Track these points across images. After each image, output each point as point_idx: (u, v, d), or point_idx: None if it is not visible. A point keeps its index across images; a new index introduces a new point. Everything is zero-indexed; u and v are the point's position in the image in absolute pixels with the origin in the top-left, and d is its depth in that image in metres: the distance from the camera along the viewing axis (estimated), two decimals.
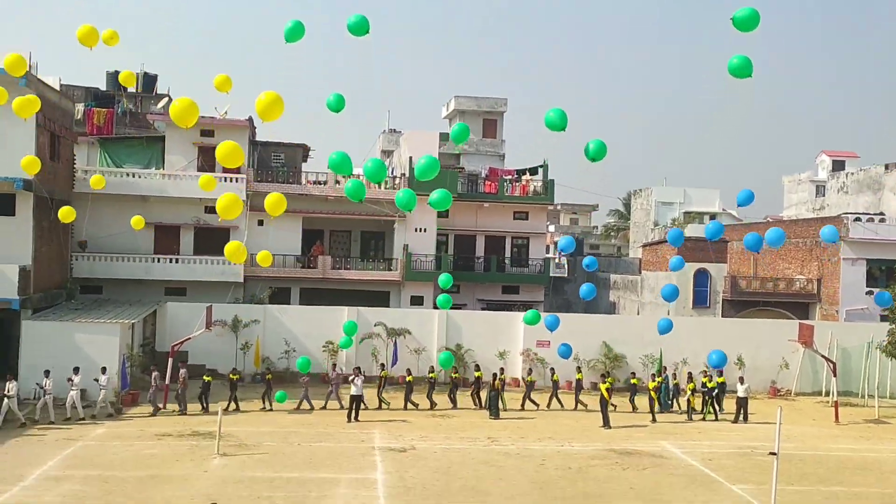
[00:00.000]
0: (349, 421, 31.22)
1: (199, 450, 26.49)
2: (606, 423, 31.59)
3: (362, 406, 32.00)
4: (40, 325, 33.76)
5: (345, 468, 25.00)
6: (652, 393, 33.82)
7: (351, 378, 32.08)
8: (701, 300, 49.99)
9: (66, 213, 24.33)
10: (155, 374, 32.08)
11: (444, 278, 21.88)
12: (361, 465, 25.47)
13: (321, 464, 25.38)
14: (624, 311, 56.58)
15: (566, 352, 26.37)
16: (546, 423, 32.13)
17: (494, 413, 32.98)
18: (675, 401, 35.56)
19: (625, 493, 23.12)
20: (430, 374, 35.22)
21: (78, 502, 21.12)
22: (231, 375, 33.18)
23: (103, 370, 31.11)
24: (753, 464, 26.61)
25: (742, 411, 33.62)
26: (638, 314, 53.56)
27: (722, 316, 48.60)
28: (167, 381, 32.71)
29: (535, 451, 27.86)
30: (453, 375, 35.60)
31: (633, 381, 35.58)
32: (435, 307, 43.97)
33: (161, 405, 32.05)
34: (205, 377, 32.94)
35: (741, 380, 34.67)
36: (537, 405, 34.50)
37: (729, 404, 34.68)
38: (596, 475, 25.10)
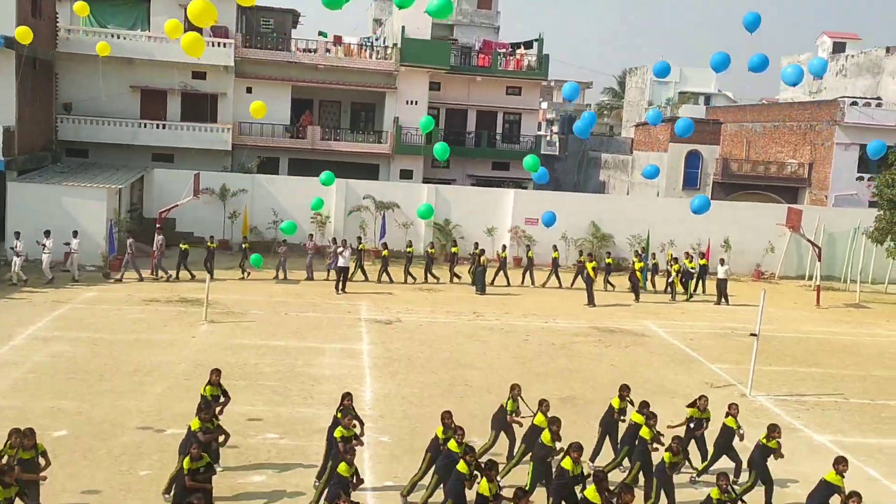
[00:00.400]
0: (337, 293, 31.47)
1: (187, 316, 26.73)
2: (591, 302, 31.96)
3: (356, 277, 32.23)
4: (26, 188, 33.45)
5: (331, 338, 25.33)
6: (637, 273, 34.08)
7: (340, 250, 32.13)
8: (691, 182, 49.93)
9: (22, 34, 22.48)
10: (130, 240, 31.82)
11: (439, 148, 21.34)
12: (347, 335, 25.80)
13: (308, 333, 25.69)
14: (613, 191, 56.53)
15: (550, 219, 26.15)
16: (531, 300, 32.49)
17: (480, 288, 33.27)
18: (652, 282, 35.99)
19: (606, 370, 23.57)
20: (430, 250, 35.35)
21: (67, 363, 21.38)
22: (209, 244, 33.09)
23: (74, 234, 30.98)
24: (734, 344, 27.11)
25: (722, 293, 34.01)
26: (627, 194, 53.53)
27: (712, 198, 48.39)
28: (154, 248, 32.62)
29: (519, 326, 28.25)
30: (453, 251, 35.75)
31: (608, 260, 35.86)
32: (424, 182, 43.85)
33: (142, 272, 32.02)
34: (181, 245, 32.74)
35: (721, 261, 34.93)
36: (528, 282, 34.88)
37: (711, 286, 35.09)
38: (578, 351, 25.54)
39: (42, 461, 13.11)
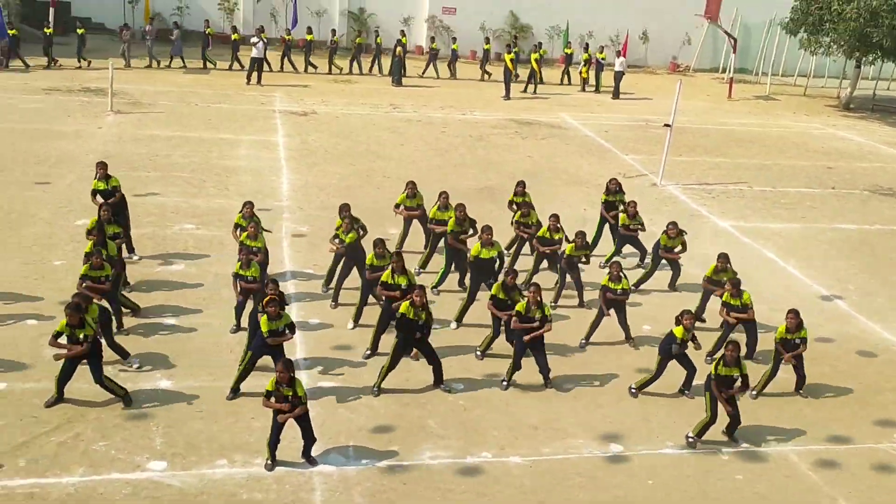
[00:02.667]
0: (248, 83, 30.48)
1: (92, 106, 25.69)
2: (508, 94, 31.80)
3: (265, 68, 31.13)
4: None
5: (246, 130, 24.79)
6: (534, 64, 33.36)
7: (254, 41, 30.73)
8: None
9: None
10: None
11: None
12: (262, 127, 25.29)
13: (221, 125, 25.06)
14: None
15: None
16: (448, 93, 32.16)
17: (397, 80, 32.68)
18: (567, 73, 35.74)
19: (522, 160, 23.84)
20: (333, 38, 34.12)
21: None
22: (123, 31, 31.36)
23: None
24: (647, 136, 27.60)
25: (616, 85, 33.85)
26: None
27: None
28: (49, 30, 30.70)
29: (437, 118, 28.09)
30: (357, 41, 34.62)
31: (485, 47, 35.25)
32: None
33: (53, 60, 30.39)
34: (77, 29, 30.85)
35: (618, 54, 34.65)
36: (438, 75, 34.34)
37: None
38: (496, 143, 25.68)
39: None
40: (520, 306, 12.38)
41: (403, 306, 11.86)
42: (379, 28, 36.32)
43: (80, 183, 18.98)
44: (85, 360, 11.06)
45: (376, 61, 34.07)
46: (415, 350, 12.40)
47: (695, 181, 23.32)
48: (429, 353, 12.21)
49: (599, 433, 11.63)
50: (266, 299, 11.38)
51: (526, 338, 12.35)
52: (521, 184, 16.94)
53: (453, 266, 15.35)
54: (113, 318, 12.61)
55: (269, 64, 32.05)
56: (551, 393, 12.50)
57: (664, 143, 22.62)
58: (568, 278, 15.23)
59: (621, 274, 13.61)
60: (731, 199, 22.04)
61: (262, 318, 11.25)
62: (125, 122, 24.42)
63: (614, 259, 15.62)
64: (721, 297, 13.67)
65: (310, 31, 33.68)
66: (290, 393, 9.97)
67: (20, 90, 26.91)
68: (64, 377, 11.00)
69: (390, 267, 12.91)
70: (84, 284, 12.47)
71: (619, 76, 33.68)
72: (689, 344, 12.16)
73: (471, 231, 15.14)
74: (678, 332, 12.04)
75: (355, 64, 33.86)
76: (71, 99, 26.38)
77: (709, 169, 24.67)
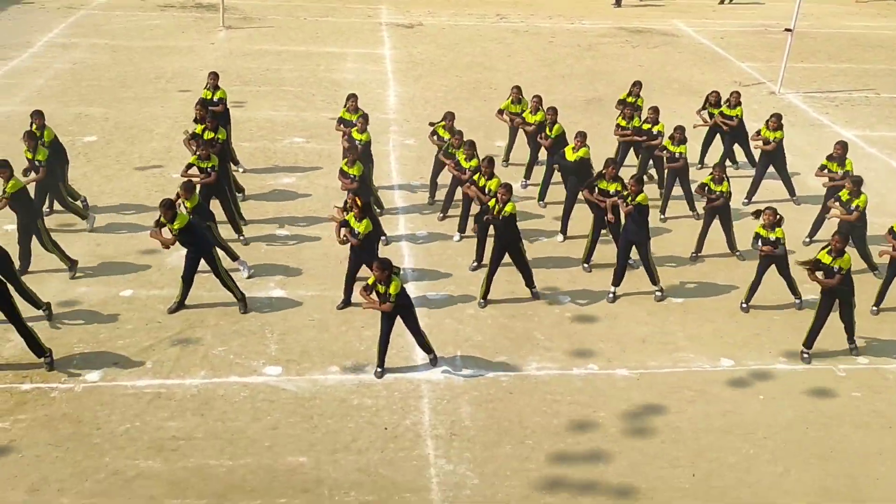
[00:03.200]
0: None
1: (204, 22, 26.11)
2: (618, 1, 30.68)
3: None
4: None
5: (352, 43, 24.80)
6: None
7: None
8: None
9: None
10: None
11: None
12: (369, 40, 25.23)
13: (328, 38, 25.13)
14: None
15: None
16: (557, 1, 31.24)
17: None
18: None
19: (632, 70, 23.08)
20: None
21: (88, 70, 21.27)
22: None
23: None
24: (765, 42, 26.29)
25: None
26: None
27: None
28: None
29: (544, 28, 27.41)
30: None
31: None
32: None
33: None
34: None
35: None
36: None
37: None
38: (605, 52, 24.95)
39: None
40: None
41: (491, 203, 11.83)
42: None
43: (195, 98, 19.39)
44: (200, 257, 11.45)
45: None
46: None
47: (816, 88, 22.17)
48: (517, 260, 12.21)
49: (709, 347, 11.47)
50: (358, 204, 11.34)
51: (609, 216, 12.39)
52: (638, 84, 16.55)
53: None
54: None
55: None
56: (660, 306, 12.35)
57: (784, 49, 21.52)
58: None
59: (724, 176, 13.17)
60: (856, 108, 20.89)
61: (365, 222, 11.33)
62: (236, 37, 24.76)
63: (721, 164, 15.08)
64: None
65: None
66: (383, 290, 10.11)
67: (137, 7, 27.55)
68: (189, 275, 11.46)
69: (479, 171, 12.84)
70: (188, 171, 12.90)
71: None
72: (775, 244, 11.69)
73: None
74: (759, 229, 11.73)
75: None
76: (185, 15, 26.87)
77: (832, 76, 23.38)
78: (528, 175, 15.84)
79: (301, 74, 21.76)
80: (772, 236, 11.69)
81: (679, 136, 14.40)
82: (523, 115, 15.59)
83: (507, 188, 11.77)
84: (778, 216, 11.67)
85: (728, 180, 13.23)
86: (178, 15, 26.85)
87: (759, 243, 11.77)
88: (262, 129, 18.06)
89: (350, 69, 22.41)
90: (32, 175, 12.69)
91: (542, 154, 15.53)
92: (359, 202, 11.28)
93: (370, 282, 10.13)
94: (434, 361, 10.70)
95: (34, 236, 12.01)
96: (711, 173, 13.25)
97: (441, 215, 14.56)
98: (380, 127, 17.93)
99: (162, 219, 11.09)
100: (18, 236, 12.05)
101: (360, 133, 14.00)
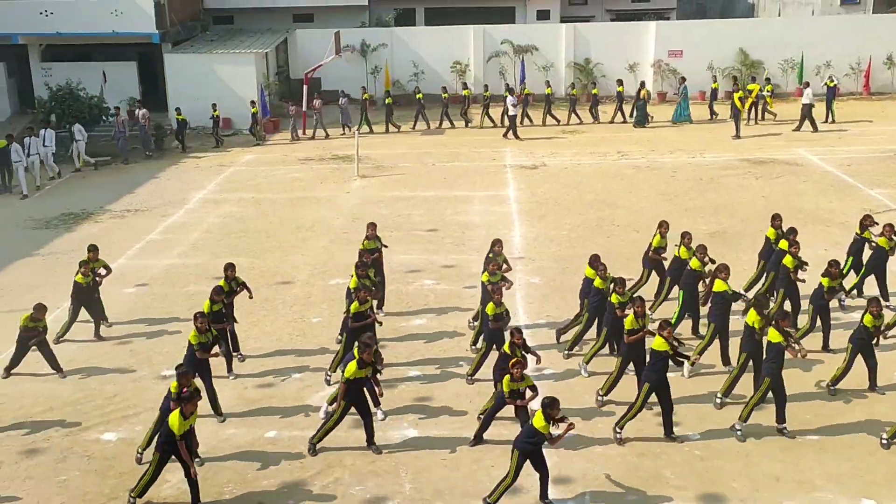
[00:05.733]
0: (505, 136, 31.85)
1: (340, 172, 27.93)
2: (738, 133, 30.98)
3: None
4: (181, 58, 35.17)
5: (478, 186, 25.95)
6: (737, 102, 31.12)
7: (509, 99, 31.95)
8: None
9: None
10: (292, 106, 33.25)
11: None
12: (494, 182, 26.35)
13: (455, 182, 26.40)
14: (763, 14, 53.18)
15: None
16: (677, 136, 31.85)
17: (640, 121, 32.96)
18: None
19: (755, 202, 23.21)
20: (572, 91, 34.61)
21: (236, 222, 23.07)
22: (364, 95, 34.00)
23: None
24: (895, 168, 25.92)
25: (805, 118, 31.27)
26: (779, 15, 50.31)
27: (873, 12, 45.05)
28: (304, 108, 33.83)
29: (666, 163, 27.93)
30: (594, 91, 34.82)
31: (593, 91, 34.63)
32: (562, 21, 42.79)
33: (301, 131, 33.41)
34: (364, 96, 33.70)
35: (807, 84, 31.96)
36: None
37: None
38: (727, 185, 25.16)
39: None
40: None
41: (628, 322, 12.21)
42: (605, 76, 36.83)
43: (333, 245, 20.77)
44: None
45: (619, 109, 34.25)
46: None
47: None
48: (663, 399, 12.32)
49: (849, 486, 11.16)
50: (513, 361, 11.76)
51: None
52: (778, 217, 16.85)
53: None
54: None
55: (491, 119, 33.79)
56: (795, 442, 12.15)
57: None
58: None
59: (882, 313, 13.02)
60: None
61: (505, 378, 11.78)
62: (370, 185, 26.36)
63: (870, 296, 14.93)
64: None
65: (548, 85, 34.65)
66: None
67: (281, 162, 29.80)
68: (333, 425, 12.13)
69: (632, 311, 13.12)
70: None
71: (806, 108, 31.30)
72: None
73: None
74: (867, 320, 11.54)
75: (584, 114, 34.27)
76: (323, 167, 28.86)
77: None
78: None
79: (430, 218, 22.90)
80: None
81: (836, 271, 14.34)
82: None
83: (641, 301, 12.51)
84: None
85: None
86: (317, 167, 28.85)
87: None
88: (395, 272, 19.01)
89: (477, 211, 23.43)
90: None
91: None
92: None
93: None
94: None
95: None
96: (870, 309, 13.02)
97: (567, 352, 14.90)
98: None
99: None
100: None
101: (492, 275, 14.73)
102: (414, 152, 30.43)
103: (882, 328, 13.14)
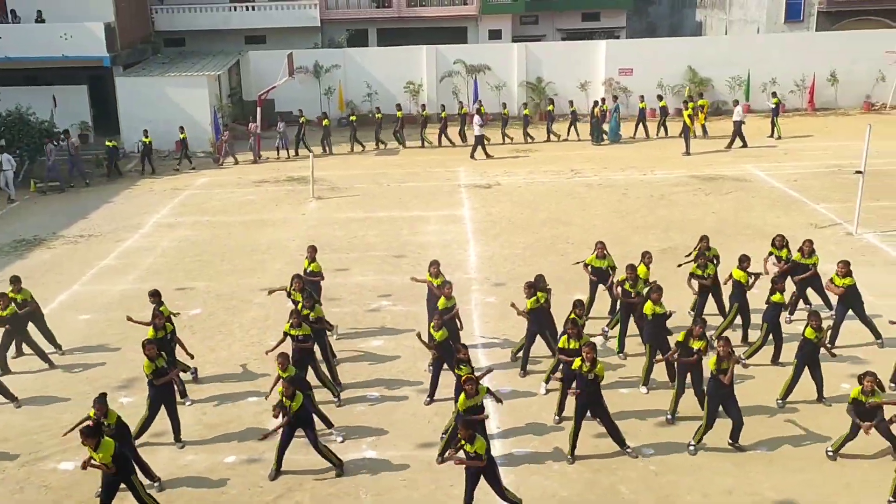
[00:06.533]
0: (472, 158, 31.99)
1: (296, 194, 27.95)
2: (688, 150, 31.61)
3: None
4: (133, 81, 34.93)
5: (433, 206, 26.14)
6: (686, 120, 31.73)
7: (475, 119, 32.21)
8: (794, 14, 47.36)
9: None
10: (251, 125, 33.32)
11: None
12: (449, 202, 26.56)
13: (410, 203, 26.56)
14: (711, 32, 54.38)
15: None
16: (629, 154, 32.39)
17: (597, 138, 33.52)
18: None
19: (705, 218, 23.71)
20: (525, 111, 34.95)
21: (191, 246, 22.97)
22: (324, 121, 34.06)
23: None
24: (839, 182, 26.59)
25: (737, 135, 32.04)
26: (726, 34, 51.50)
27: (816, 30, 46.29)
28: (259, 131, 33.77)
29: (618, 180, 28.39)
30: (548, 109, 35.33)
31: (548, 108, 35.49)
32: (514, 41, 43.27)
33: (257, 155, 33.30)
34: (301, 119, 33.65)
35: (735, 102, 33.04)
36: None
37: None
38: (678, 201, 25.66)
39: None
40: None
41: (576, 363, 12.28)
42: (557, 95, 37.35)
43: (289, 267, 20.71)
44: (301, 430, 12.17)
45: (573, 126, 34.70)
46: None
47: (895, 228, 22.31)
48: (604, 416, 12.47)
49: (798, 498, 11.47)
50: (464, 379, 11.89)
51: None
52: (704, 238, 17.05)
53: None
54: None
55: (428, 142, 34.16)
56: (745, 456, 12.45)
57: (857, 190, 21.87)
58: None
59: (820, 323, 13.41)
60: None
61: (461, 397, 11.90)
62: (325, 206, 26.42)
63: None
64: None
65: (504, 106, 35.10)
66: (472, 450, 10.61)
67: (235, 185, 29.70)
68: (282, 447, 12.17)
69: (566, 332, 13.38)
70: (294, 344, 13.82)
71: (737, 126, 32.06)
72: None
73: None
74: (855, 392, 11.80)
75: (540, 133, 34.72)
76: (278, 188, 28.85)
77: None
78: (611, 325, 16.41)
79: (386, 239, 23.02)
80: (874, 400, 11.72)
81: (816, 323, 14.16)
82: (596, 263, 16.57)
83: (592, 347, 12.31)
84: (878, 380, 11.80)
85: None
86: (272, 189, 28.84)
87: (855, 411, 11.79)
88: (352, 293, 19.12)
89: (432, 231, 23.61)
90: None
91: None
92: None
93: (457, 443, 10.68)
94: None
95: None
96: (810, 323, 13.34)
97: (522, 372, 15.10)
98: (463, 285, 18.79)
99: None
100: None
101: (447, 300, 14.80)
102: (369, 173, 30.55)
103: (825, 340, 13.55)
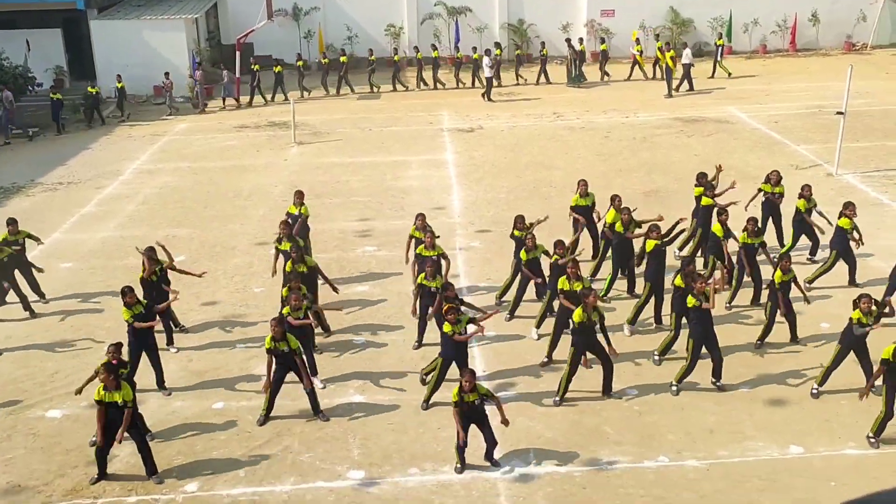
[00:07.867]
0: (485, 100, 31.95)
1: (277, 139, 27.71)
2: (670, 93, 31.52)
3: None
4: (108, 25, 34.29)
5: (416, 150, 26.01)
6: (668, 62, 31.57)
7: (485, 61, 32.16)
8: None
9: None
10: (225, 71, 32.64)
11: None
12: (431, 146, 26.43)
13: (393, 147, 26.40)
14: None
15: None
16: (611, 96, 32.24)
17: (576, 80, 33.38)
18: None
19: (688, 160, 23.73)
20: (497, 51, 34.69)
21: (173, 193, 22.79)
22: (298, 63, 33.60)
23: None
24: (820, 123, 26.68)
25: (686, 77, 32.13)
26: None
27: None
28: (238, 74, 33.29)
29: (600, 123, 28.31)
30: (517, 52, 35.25)
31: (517, 52, 35.82)
32: None
33: (236, 98, 32.87)
34: (275, 68, 33.12)
35: (685, 45, 32.86)
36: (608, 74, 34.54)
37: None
38: (661, 143, 25.66)
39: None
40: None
41: (577, 313, 12.35)
42: (539, 37, 37.00)
43: (272, 214, 20.66)
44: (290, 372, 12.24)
45: (543, 71, 34.49)
46: (584, 358, 12.86)
47: (874, 168, 22.45)
48: (603, 357, 12.61)
49: (778, 435, 11.72)
50: (445, 308, 12.14)
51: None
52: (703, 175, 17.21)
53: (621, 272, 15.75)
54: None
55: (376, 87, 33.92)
56: (727, 395, 12.66)
57: (838, 131, 21.94)
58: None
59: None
60: None
61: (445, 326, 12.06)
62: (307, 152, 26.22)
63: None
64: None
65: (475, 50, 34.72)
66: (475, 398, 10.76)
67: (215, 130, 29.38)
68: (273, 392, 12.25)
69: (566, 274, 13.43)
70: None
71: (686, 68, 31.99)
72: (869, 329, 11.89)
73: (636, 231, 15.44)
74: (856, 315, 11.92)
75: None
76: (259, 134, 28.57)
77: (890, 154, 23.63)
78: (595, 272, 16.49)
79: (369, 184, 22.93)
80: (869, 320, 11.89)
81: (752, 227, 14.91)
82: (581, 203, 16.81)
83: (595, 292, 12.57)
84: (873, 299, 11.97)
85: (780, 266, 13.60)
86: (253, 134, 28.55)
87: (860, 328, 11.87)
88: (335, 239, 19.09)
89: (415, 176, 23.52)
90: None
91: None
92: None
93: (454, 395, 10.83)
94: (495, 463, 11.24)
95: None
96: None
97: (508, 315, 15.19)
98: (447, 230, 18.79)
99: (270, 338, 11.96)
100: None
101: (430, 249, 14.77)
102: (351, 118, 30.29)
103: (797, 280, 13.65)
